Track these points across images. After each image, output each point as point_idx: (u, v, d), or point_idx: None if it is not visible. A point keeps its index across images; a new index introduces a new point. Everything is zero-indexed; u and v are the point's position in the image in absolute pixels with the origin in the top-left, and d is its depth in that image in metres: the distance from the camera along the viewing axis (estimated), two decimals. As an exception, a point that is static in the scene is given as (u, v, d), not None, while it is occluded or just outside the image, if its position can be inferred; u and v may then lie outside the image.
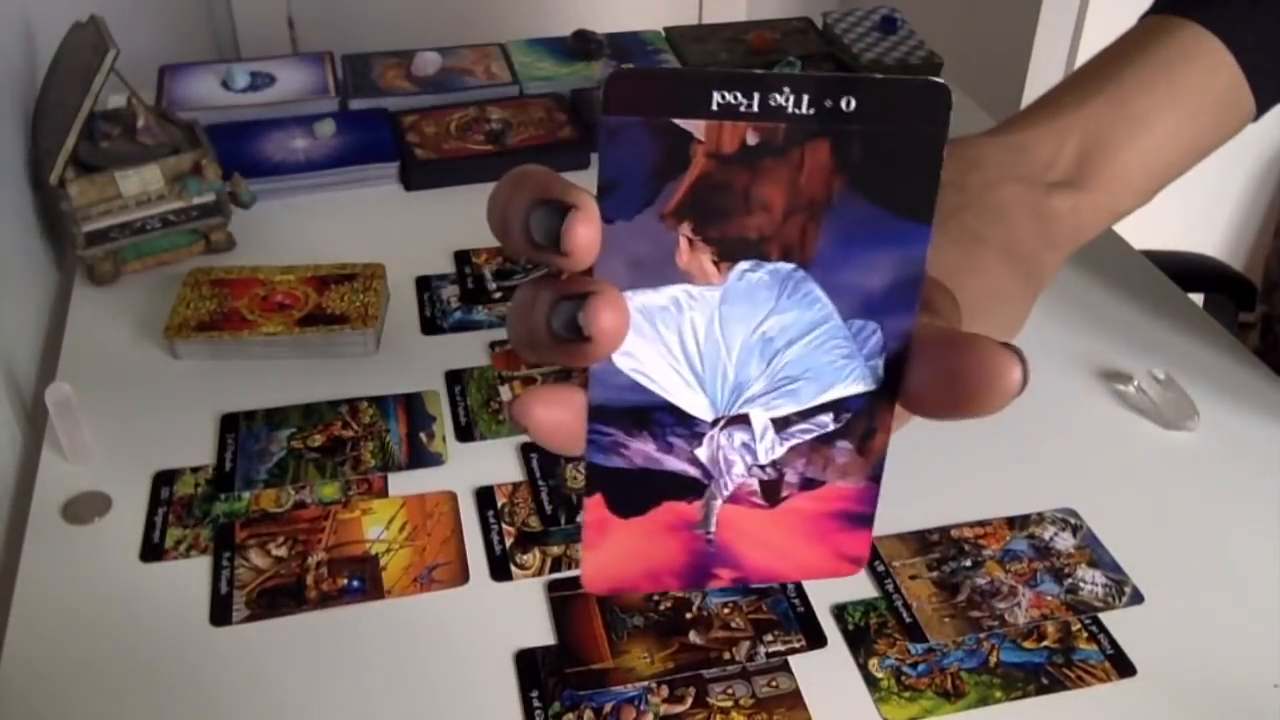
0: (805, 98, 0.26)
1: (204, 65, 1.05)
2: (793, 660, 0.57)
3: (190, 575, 0.60)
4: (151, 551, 0.61)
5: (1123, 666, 0.57)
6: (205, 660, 0.56)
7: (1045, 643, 0.58)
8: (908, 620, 0.59)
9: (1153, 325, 0.81)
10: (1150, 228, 1.27)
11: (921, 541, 0.63)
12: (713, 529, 0.30)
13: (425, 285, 0.83)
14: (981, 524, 0.65)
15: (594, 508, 0.29)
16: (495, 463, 0.68)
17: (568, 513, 0.64)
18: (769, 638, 0.58)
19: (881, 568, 0.62)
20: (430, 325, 0.79)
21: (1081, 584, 0.61)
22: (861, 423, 0.30)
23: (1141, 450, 0.71)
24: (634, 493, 0.29)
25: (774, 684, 0.56)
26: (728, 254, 0.27)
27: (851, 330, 0.29)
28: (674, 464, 0.29)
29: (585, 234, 0.27)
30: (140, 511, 0.64)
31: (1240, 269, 1.19)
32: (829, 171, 0.27)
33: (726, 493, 0.30)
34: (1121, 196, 0.54)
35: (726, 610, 0.59)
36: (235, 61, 1.04)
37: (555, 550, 0.62)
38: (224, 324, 0.75)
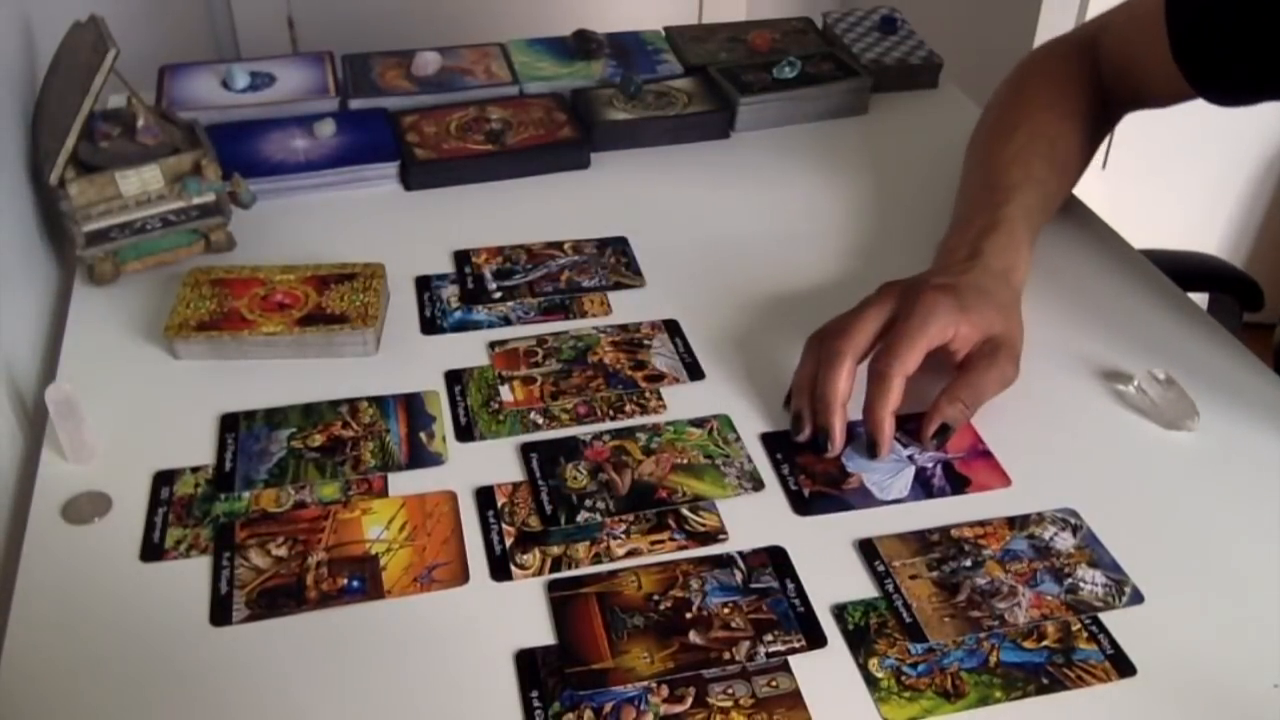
0: None
1: (204, 65, 1.05)
2: (793, 660, 0.57)
3: (190, 575, 0.60)
4: (151, 551, 0.61)
5: (1123, 666, 0.57)
6: (205, 660, 0.56)
7: (1045, 643, 0.58)
8: (908, 620, 0.59)
9: (1153, 325, 0.81)
10: (1150, 228, 1.27)
11: (921, 541, 0.63)
12: None
13: (425, 285, 0.83)
14: (981, 524, 0.65)
15: None
16: (495, 463, 0.68)
17: (567, 513, 0.64)
18: (769, 638, 0.58)
19: (881, 568, 0.62)
20: (430, 325, 0.79)
21: (1081, 584, 0.61)
22: None
23: (1141, 450, 0.71)
24: None
25: (774, 684, 0.56)
26: None
27: None
28: None
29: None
30: (140, 511, 0.64)
31: (1240, 268, 1.19)
32: None
33: None
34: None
35: (726, 610, 0.59)
36: (235, 61, 1.04)
37: (555, 550, 0.62)
38: (224, 324, 0.75)
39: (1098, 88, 0.88)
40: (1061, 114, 0.86)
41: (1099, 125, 0.89)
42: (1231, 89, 0.80)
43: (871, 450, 0.68)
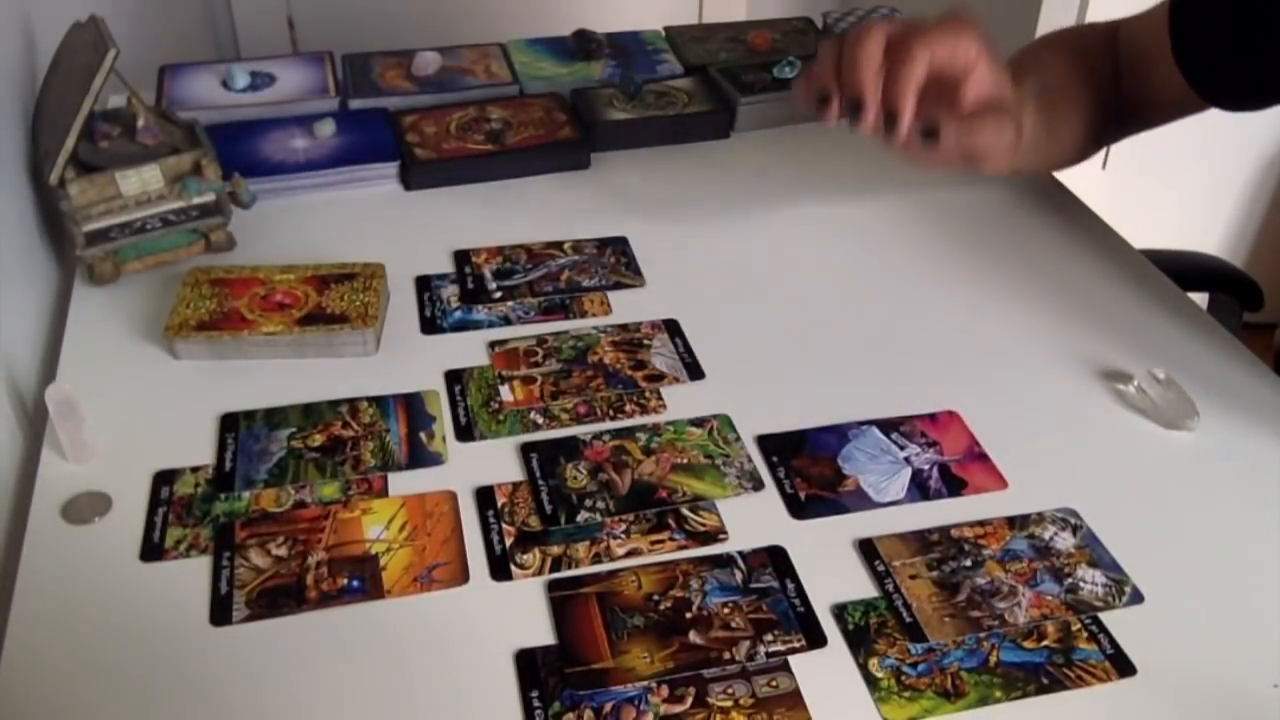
0: None
1: (204, 65, 1.05)
2: (793, 660, 0.57)
3: (190, 575, 0.60)
4: (151, 551, 0.61)
5: (1123, 666, 0.57)
6: (205, 660, 0.56)
7: (1045, 643, 0.58)
8: (908, 620, 0.59)
9: (1153, 325, 0.81)
10: (1150, 228, 1.27)
11: (921, 541, 0.63)
12: None
13: (425, 285, 0.83)
14: (981, 524, 0.65)
15: None
16: (495, 463, 0.68)
17: (567, 512, 0.64)
18: (769, 638, 0.58)
19: (881, 568, 0.62)
20: (430, 325, 0.79)
21: (1081, 584, 0.61)
22: None
23: (1141, 450, 0.71)
24: None
25: (774, 684, 0.56)
26: None
27: None
28: None
29: None
30: (140, 511, 0.64)
31: (1240, 268, 1.19)
32: None
33: None
34: None
35: (726, 610, 0.59)
36: (235, 61, 1.04)
37: (555, 550, 0.62)
38: (224, 323, 0.75)
39: (1115, 69, 0.87)
40: (1078, 67, 0.85)
41: (1108, 104, 0.87)
42: (1229, 89, 0.80)
43: (889, 123, 0.64)
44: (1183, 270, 0.89)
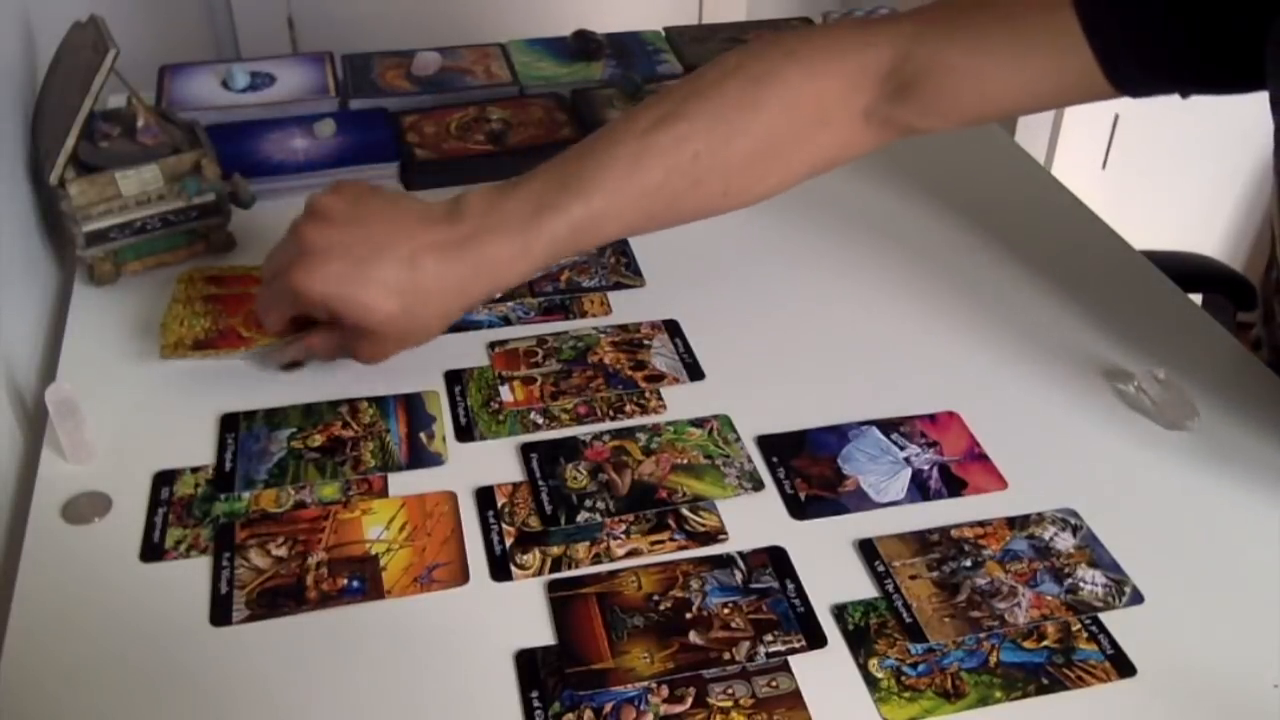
0: None
1: (204, 65, 1.05)
2: (793, 660, 0.57)
3: (190, 575, 0.60)
4: (151, 551, 0.61)
5: (1123, 666, 0.57)
6: (205, 660, 0.56)
7: (1045, 643, 0.58)
8: (908, 620, 0.59)
9: (1153, 325, 0.81)
10: (1150, 227, 1.27)
11: (921, 541, 0.63)
12: None
13: (425, 285, 0.83)
14: (981, 524, 0.65)
15: None
16: (495, 463, 0.68)
17: (568, 513, 0.64)
18: (769, 638, 0.58)
19: (881, 568, 0.62)
20: (430, 325, 0.79)
21: (1081, 584, 0.61)
22: None
23: (1141, 450, 0.71)
24: None
25: (774, 684, 0.56)
26: None
27: None
28: None
29: None
30: (140, 511, 0.64)
31: (1238, 269, 1.19)
32: None
33: None
34: None
35: (726, 610, 0.59)
36: (235, 61, 1.04)
37: (555, 550, 0.62)
38: (220, 342, 0.74)
39: (877, 93, 0.75)
40: (794, 121, 0.74)
41: (830, 153, 0.78)
42: (1137, 74, 0.69)
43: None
44: (1176, 270, 0.89)
